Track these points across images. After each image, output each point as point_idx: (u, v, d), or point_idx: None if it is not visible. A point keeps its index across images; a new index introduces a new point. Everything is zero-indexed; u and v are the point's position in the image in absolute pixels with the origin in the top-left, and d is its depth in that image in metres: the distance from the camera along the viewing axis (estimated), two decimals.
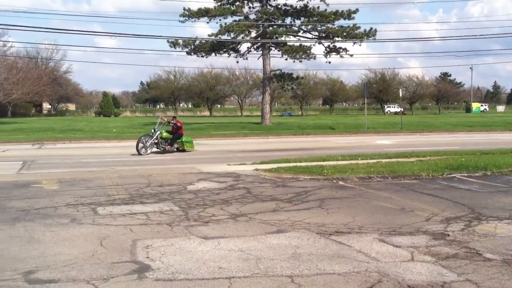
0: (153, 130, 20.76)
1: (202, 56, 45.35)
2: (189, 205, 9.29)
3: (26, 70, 62.87)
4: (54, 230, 7.48)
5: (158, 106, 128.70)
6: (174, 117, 22.32)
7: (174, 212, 8.73)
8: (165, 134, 20.83)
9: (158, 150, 20.71)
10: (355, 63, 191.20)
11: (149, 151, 20.11)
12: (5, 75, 52.95)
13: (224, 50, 45.35)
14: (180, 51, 44.35)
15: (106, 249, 6.44)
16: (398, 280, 5.21)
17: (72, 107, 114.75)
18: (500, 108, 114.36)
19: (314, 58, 44.22)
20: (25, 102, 74.13)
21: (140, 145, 19.92)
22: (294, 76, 47.90)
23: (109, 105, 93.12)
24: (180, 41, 43.39)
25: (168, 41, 42.96)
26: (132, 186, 11.52)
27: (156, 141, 20.51)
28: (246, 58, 46.84)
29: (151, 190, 10.97)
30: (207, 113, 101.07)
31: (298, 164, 14.87)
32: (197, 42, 44.47)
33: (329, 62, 44.88)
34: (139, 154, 19.58)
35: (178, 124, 21.56)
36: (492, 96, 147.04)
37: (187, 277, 5.34)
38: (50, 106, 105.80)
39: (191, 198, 10.05)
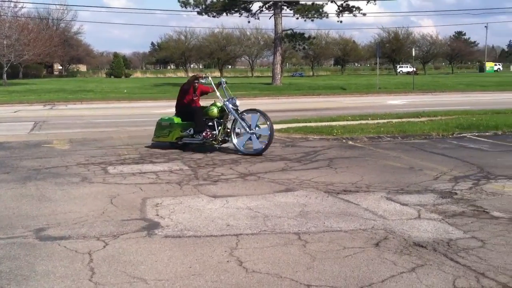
0: (229, 104, 10.56)
1: (213, 16, 45.08)
2: (199, 165, 9.35)
3: (37, 31, 62.64)
4: (65, 188, 7.59)
5: (168, 67, 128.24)
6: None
7: (184, 171, 8.80)
8: (214, 112, 10.71)
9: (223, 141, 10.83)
10: (367, 23, 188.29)
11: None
12: (17, 36, 52.74)
13: (236, 9, 44.92)
14: (191, 11, 44.14)
15: (116, 207, 6.53)
16: (404, 237, 5.25)
17: (83, 68, 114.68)
18: None
19: (327, 17, 43.81)
20: (36, 63, 74.16)
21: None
22: (306, 36, 47.50)
23: (120, 66, 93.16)
24: (191, 1, 42.98)
25: (178, 1, 42.59)
26: (143, 146, 11.60)
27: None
28: (258, 18, 46.47)
29: (161, 150, 11.04)
30: (217, 74, 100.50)
31: (308, 124, 14.86)
32: (208, 1, 44.00)
33: (341, 22, 44.43)
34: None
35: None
36: (507, 55, 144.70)
37: (196, 234, 5.42)
38: (61, 67, 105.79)
39: (200, 158, 10.11)
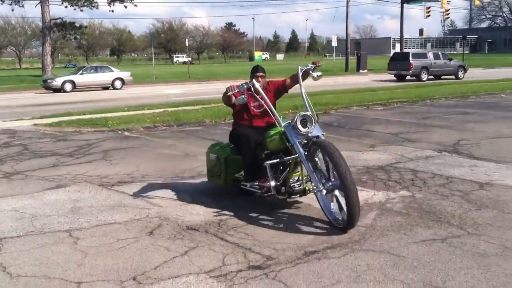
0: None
1: None
2: None
3: None
4: None
5: None
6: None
7: None
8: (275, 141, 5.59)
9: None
10: (142, 13, 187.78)
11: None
12: None
13: None
14: None
15: None
16: (178, 223, 5.36)
17: None
18: (280, 56, 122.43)
19: (97, 7, 42.48)
20: None
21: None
22: (77, 25, 45.53)
23: None
24: None
25: None
26: None
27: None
28: (22, 6, 43.24)
29: None
30: None
31: (82, 116, 14.33)
32: None
33: (113, 11, 43.55)
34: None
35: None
36: (273, 45, 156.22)
37: None
38: None
39: None
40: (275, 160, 5.51)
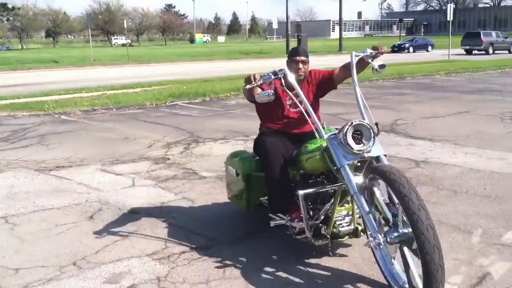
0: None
1: None
2: None
3: None
4: None
5: None
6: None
7: None
8: (314, 160, 3.82)
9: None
10: None
11: None
12: None
13: None
14: None
15: None
16: (119, 207, 5.28)
17: None
18: (221, 38, 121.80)
19: None
20: None
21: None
22: (10, 6, 43.81)
23: None
24: None
25: None
26: None
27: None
28: None
29: None
30: None
31: (16, 100, 13.85)
32: None
33: None
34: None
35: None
36: (214, 27, 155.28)
37: None
38: None
39: None
40: (312, 189, 3.80)
